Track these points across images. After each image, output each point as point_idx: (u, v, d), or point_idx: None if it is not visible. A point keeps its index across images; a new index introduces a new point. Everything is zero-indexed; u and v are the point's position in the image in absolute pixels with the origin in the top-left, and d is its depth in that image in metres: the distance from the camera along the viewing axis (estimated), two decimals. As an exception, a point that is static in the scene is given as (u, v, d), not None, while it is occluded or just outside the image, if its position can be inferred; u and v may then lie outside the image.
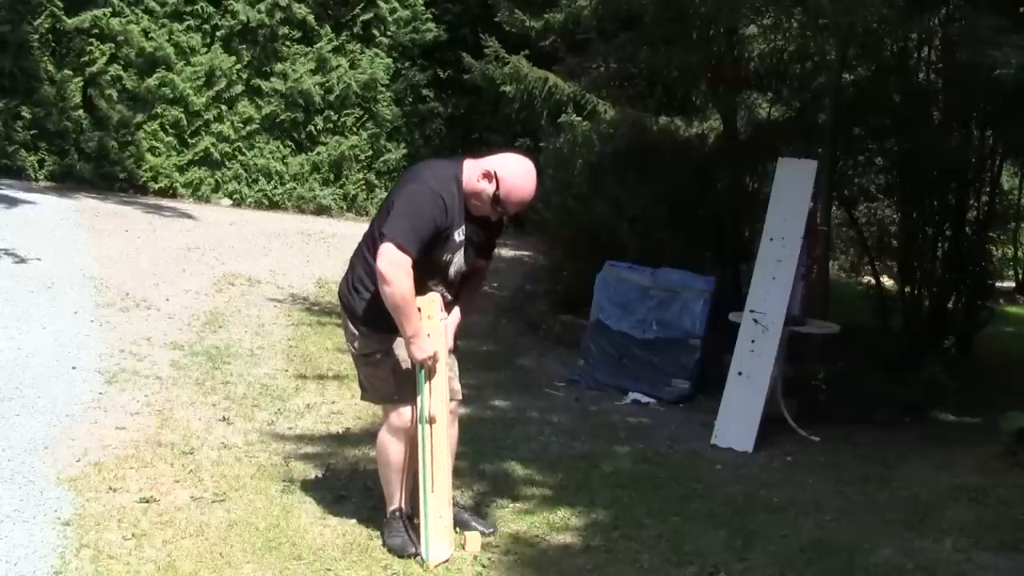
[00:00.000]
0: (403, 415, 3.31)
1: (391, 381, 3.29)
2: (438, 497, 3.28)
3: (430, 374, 3.23)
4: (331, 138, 11.16)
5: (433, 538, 3.24)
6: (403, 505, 3.39)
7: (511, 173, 3.21)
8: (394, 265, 3.06)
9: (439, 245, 3.20)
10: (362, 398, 3.57)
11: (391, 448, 3.35)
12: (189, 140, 10.45)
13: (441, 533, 3.28)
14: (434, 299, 3.23)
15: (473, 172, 3.22)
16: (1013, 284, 11.06)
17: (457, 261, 3.27)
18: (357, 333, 3.31)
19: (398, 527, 3.36)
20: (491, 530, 3.53)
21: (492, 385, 5.81)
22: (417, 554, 3.26)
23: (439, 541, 3.26)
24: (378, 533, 3.45)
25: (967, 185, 7.21)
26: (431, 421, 3.24)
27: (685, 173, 7.06)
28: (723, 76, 8.03)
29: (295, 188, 11.00)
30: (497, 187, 3.17)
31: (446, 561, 3.26)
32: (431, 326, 3.22)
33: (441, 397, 3.27)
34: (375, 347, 3.29)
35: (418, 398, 3.25)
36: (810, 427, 5.32)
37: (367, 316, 3.26)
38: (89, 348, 5.24)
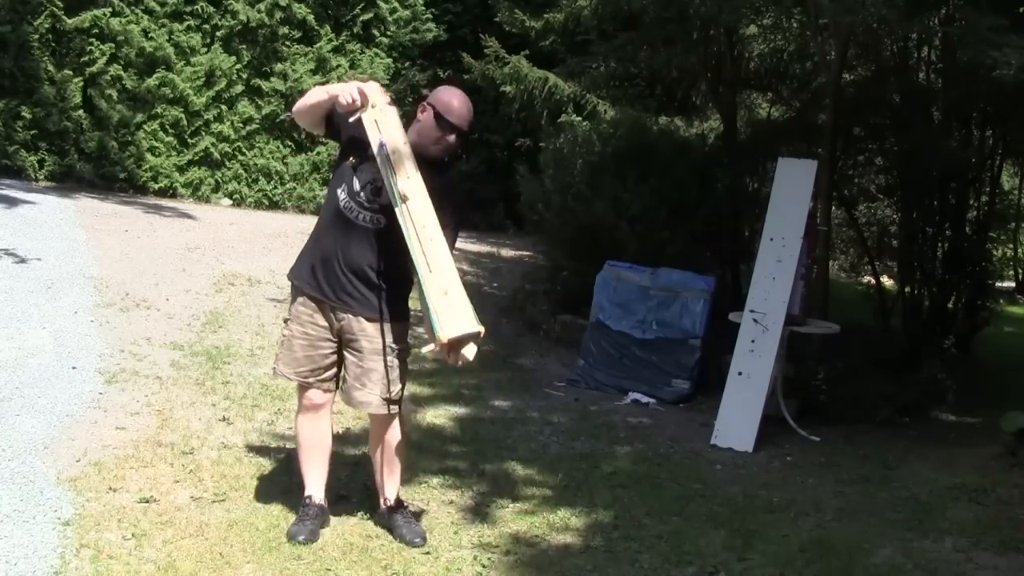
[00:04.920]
0: (299, 396, 3.47)
1: (285, 356, 3.41)
2: (438, 275, 3.13)
3: (351, 105, 3.19)
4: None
5: (441, 314, 3.09)
6: (314, 493, 3.46)
7: (439, 93, 3.38)
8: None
9: (350, 149, 3.34)
10: None
11: (297, 429, 3.54)
12: (189, 140, 10.44)
13: (449, 308, 3.11)
14: (375, 87, 3.23)
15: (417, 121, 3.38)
16: (1013, 284, 11.07)
17: (363, 179, 3.30)
18: None
19: (302, 513, 3.41)
20: (418, 540, 3.40)
21: (492, 385, 5.81)
22: (307, 543, 3.28)
23: (448, 316, 3.09)
24: (378, 533, 3.46)
25: (967, 185, 7.22)
26: (403, 199, 3.16)
27: (685, 173, 7.06)
28: (723, 76, 8.04)
29: (295, 188, 10.99)
30: (434, 108, 3.30)
31: (460, 341, 3.10)
32: (376, 113, 3.19)
33: (408, 174, 3.20)
34: (287, 311, 3.45)
35: (389, 181, 3.20)
36: (810, 427, 5.32)
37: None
38: (89, 348, 5.24)
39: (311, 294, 3.36)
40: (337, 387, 3.49)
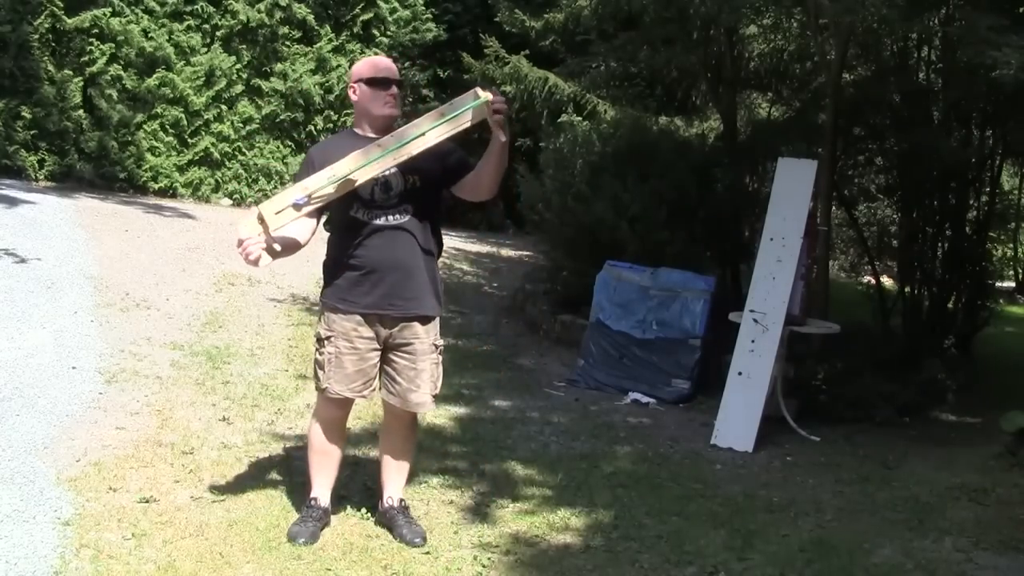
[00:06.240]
0: (325, 404, 3.45)
1: (319, 369, 3.41)
2: (427, 121, 3.30)
3: (254, 252, 3.14)
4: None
5: (464, 100, 3.29)
6: (320, 495, 3.46)
7: (356, 67, 3.46)
8: None
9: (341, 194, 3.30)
10: None
11: (313, 432, 3.50)
12: (189, 140, 10.43)
13: (460, 101, 3.26)
14: (242, 226, 3.23)
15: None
16: (1013, 284, 11.08)
17: (366, 188, 3.29)
18: None
19: (305, 514, 3.42)
20: (418, 540, 3.39)
21: (492, 385, 5.82)
22: (307, 544, 3.27)
23: (465, 98, 3.27)
24: (378, 533, 3.46)
25: (967, 185, 7.22)
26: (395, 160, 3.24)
27: (685, 173, 7.06)
28: (723, 76, 8.04)
29: (295, 188, 11.00)
30: (361, 79, 3.37)
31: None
32: (269, 214, 3.19)
33: (349, 165, 3.22)
34: (320, 328, 3.43)
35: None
36: (810, 427, 5.32)
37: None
38: (89, 348, 5.24)
39: (361, 312, 3.32)
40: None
